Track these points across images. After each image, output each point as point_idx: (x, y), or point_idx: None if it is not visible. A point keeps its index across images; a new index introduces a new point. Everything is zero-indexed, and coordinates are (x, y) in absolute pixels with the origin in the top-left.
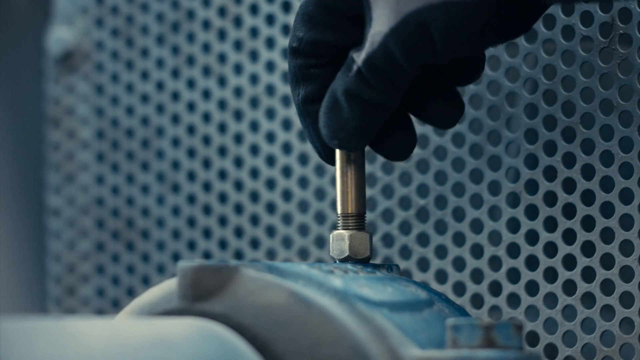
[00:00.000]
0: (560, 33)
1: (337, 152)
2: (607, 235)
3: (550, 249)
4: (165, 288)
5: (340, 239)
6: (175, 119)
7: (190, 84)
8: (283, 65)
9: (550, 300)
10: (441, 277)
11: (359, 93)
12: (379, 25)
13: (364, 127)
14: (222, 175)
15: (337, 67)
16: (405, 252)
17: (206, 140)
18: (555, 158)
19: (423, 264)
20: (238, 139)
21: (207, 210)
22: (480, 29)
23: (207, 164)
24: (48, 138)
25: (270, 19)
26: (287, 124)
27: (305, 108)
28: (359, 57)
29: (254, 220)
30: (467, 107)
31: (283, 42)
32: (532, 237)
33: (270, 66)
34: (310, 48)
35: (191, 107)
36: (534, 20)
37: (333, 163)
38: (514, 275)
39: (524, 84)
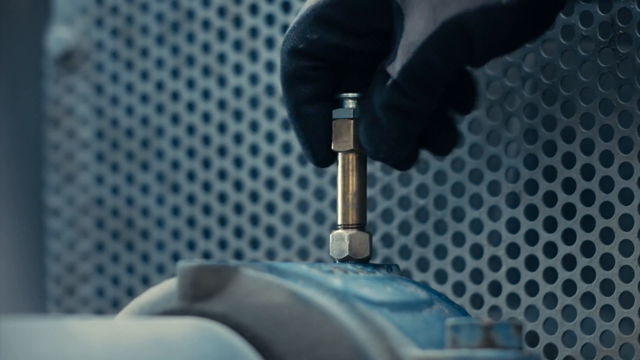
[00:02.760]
0: (560, 33)
1: (339, 163)
2: (607, 236)
3: (550, 249)
4: (165, 288)
5: (340, 239)
6: (175, 119)
7: (190, 84)
8: None
9: (550, 300)
10: (441, 277)
11: (398, 104)
12: (414, 35)
13: (405, 137)
14: (222, 175)
15: (337, 70)
16: (405, 252)
17: (206, 140)
18: (555, 158)
19: (423, 264)
20: (238, 139)
21: (207, 210)
22: (516, 30)
23: (207, 164)
24: (48, 138)
25: (270, 19)
26: (287, 124)
27: (301, 109)
28: (394, 69)
29: (254, 220)
30: None
31: None
32: (531, 237)
33: (270, 66)
34: (319, 51)
35: (191, 107)
36: (556, 15)
37: (326, 166)
38: (513, 276)
39: (523, 84)
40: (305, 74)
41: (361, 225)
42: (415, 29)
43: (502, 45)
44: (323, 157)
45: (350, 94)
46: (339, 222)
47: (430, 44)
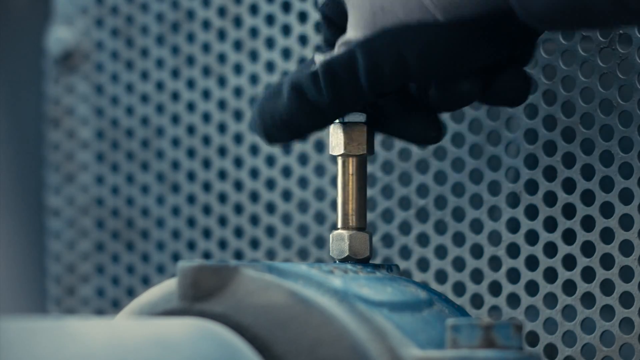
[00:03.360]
0: (560, 33)
1: (339, 167)
2: (607, 236)
3: (550, 249)
4: (165, 288)
5: (340, 239)
6: (175, 119)
7: (190, 84)
8: (283, 65)
9: (550, 300)
10: (441, 277)
11: (304, 89)
12: (350, 33)
13: (293, 125)
14: (222, 175)
15: None
16: (405, 252)
17: (206, 140)
18: (555, 158)
19: (423, 264)
20: (238, 139)
21: (207, 210)
22: (455, 52)
23: (207, 164)
24: (48, 138)
25: (270, 19)
26: None
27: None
28: (319, 59)
29: (254, 220)
30: (466, 107)
31: (283, 42)
32: (532, 237)
33: (270, 66)
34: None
35: (191, 107)
36: (527, 47)
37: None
38: (513, 276)
39: None
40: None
41: (361, 229)
42: (351, 29)
43: (443, 66)
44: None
45: None
46: (339, 226)
47: (360, 48)
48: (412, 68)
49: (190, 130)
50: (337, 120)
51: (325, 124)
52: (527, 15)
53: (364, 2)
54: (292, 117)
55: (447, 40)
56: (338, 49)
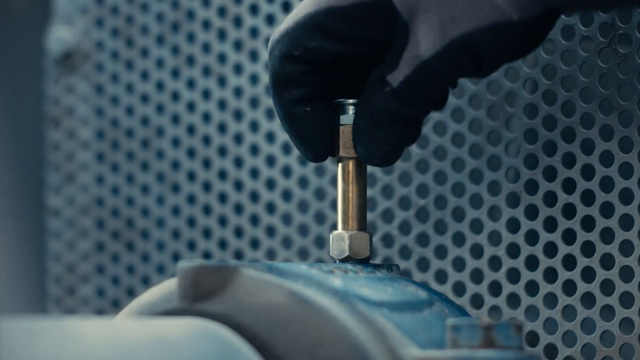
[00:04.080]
0: (560, 33)
1: (339, 169)
2: (607, 236)
3: (550, 249)
4: (165, 288)
5: (340, 239)
6: (175, 119)
7: (190, 84)
8: None
9: (550, 300)
10: (441, 277)
11: (397, 111)
12: (421, 49)
13: (401, 143)
14: (222, 175)
15: (329, 72)
16: (405, 252)
17: (206, 140)
18: (555, 158)
19: (423, 264)
20: (238, 139)
21: (207, 210)
22: (523, 44)
23: (207, 164)
24: (48, 138)
25: (270, 19)
26: None
27: (293, 111)
28: (394, 79)
29: (254, 220)
30: (467, 107)
31: None
32: (532, 237)
33: None
34: (315, 57)
35: (191, 107)
36: (550, 30)
37: (322, 160)
38: (513, 276)
39: (523, 84)
40: (297, 77)
41: (361, 229)
42: (423, 44)
43: (509, 59)
44: (320, 154)
45: (350, 100)
46: (339, 226)
47: (438, 60)
48: (486, 63)
49: (190, 130)
50: (345, 123)
51: (421, 126)
52: None
53: (431, 16)
54: (397, 138)
55: (518, 37)
56: (409, 65)
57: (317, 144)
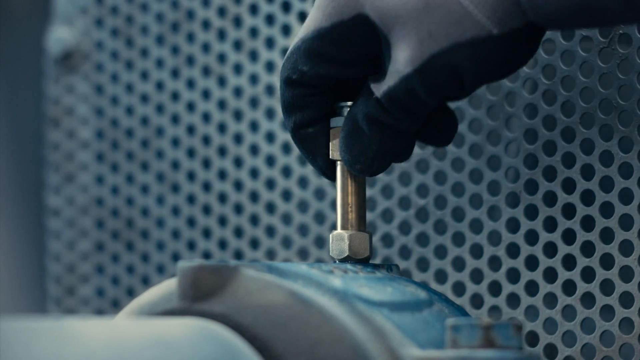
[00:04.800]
0: (560, 33)
1: (338, 171)
2: (607, 235)
3: (550, 249)
4: (165, 288)
5: (340, 239)
6: (175, 119)
7: (190, 84)
8: None
9: (550, 300)
10: (441, 277)
11: (380, 118)
12: (401, 64)
13: (384, 152)
14: (222, 175)
15: (332, 94)
16: (405, 252)
17: (206, 140)
18: (555, 158)
19: (423, 264)
20: (238, 139)
21: (207, 210)
22: (506, 60)
23: (207, 164)
24: (48, 138)
25: (270, 19)
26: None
27: (302, 133)
28: (378, 90)
29: (254, 220)
30: (467, 107)
31: (283, 42)
32: (531, 237)
33: (270, 66)
34: (312, 81)
35: (191, 107)
36: (536, 46)
37: (332, 179)
38: (513, 275)
39: (523, 84)
40: (301, 100)
41: (361, 229)
42: (401, 59)
43: (492, 76)
44: (328, 174)
45: (348, 103)
46: (339, 228)
47: (416, 76)
48: (467, 81)
49: (190, 130)
50: (336, 126)
51: (409, 140)
52: (537, 15)
53: (409, 31)
54: (380, 146)
55: (499, 51)
56: (393, 78)
57: (324, 164)
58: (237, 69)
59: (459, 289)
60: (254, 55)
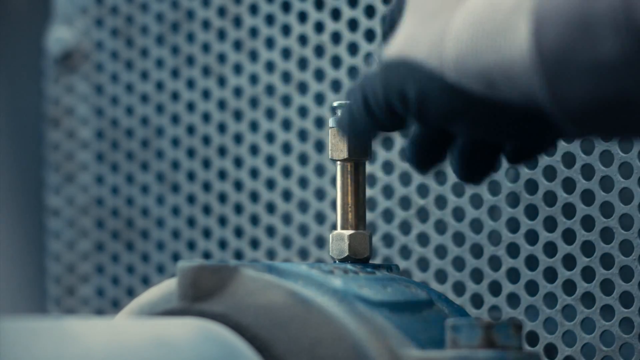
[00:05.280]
0: None
1: (337, 172)
2: (607, 235)
3: (550, 249)
4: (165, 288)
5: (339, 239)
6: (175, 119)
7: (190, 84)
8: (282, 65)
9: (550, 300)
10: (441, 277)
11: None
12: (386, 49)
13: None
14: (222, 175)
15: None
16: (405, 252)
17: (206, 140)
18: (555, 158)
19: (423, 264)
20: (238, 139)
21: (206, 210)
22: (461, 114)
23: (206, 164)
24: (48, 138)
25: (269, 19)
26: (286, 124)
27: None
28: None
29: (254, 220)
30: None
31: (282, 42)
32: (532, 237)
33: (269, 66)
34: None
35: (191, 107)
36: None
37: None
38: (513, 275)
39: None
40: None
41: (361, 229)
42: (388, 47)
43: (440, 118)
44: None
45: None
46: (339, 228)
47: (381, 69)
48: (412, 106)
49: (190, 130)
50: (334, 125)
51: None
52: (560, 113)
53: (404, 28)
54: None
55: (449, 93)
56: (376, 63)
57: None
58: (237, 69)
59: (459, 289)
60: (254, 55)
